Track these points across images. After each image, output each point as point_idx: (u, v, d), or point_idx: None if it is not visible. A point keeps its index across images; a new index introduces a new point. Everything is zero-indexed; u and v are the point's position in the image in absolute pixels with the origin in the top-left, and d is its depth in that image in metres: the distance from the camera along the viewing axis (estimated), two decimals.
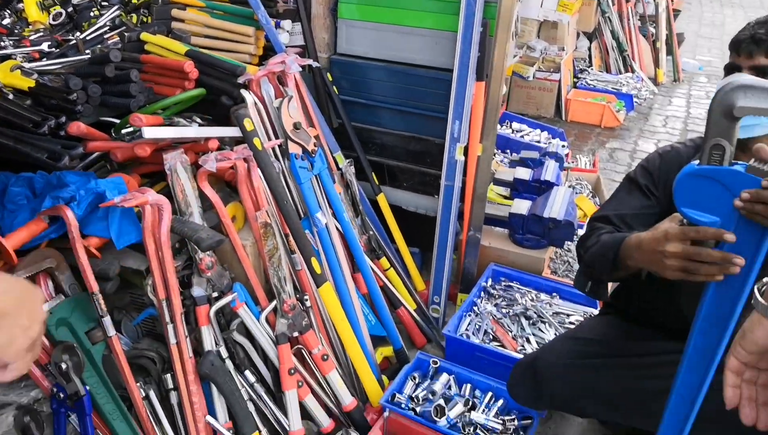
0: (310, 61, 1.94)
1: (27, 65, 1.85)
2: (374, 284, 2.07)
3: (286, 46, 2.30)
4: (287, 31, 2.35)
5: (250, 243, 1.76)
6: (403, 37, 2.25)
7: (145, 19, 2.37)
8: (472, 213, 2.30)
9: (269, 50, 2.29)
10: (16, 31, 2.23)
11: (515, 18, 2.22)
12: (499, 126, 3.90)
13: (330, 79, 2.39)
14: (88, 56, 2.04)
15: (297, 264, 1.79)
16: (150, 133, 1.49)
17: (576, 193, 3.12)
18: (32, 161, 1.43)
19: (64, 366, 1.40)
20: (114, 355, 1.50)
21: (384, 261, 2.27)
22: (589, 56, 5.57)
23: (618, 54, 5.66)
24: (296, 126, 1.81)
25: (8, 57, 2.00)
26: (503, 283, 2.31)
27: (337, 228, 2.02)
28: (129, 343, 1.66)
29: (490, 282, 2.34)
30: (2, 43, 2.04)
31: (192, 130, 1.62)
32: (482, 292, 2.29)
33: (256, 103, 1.77)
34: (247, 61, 2.20)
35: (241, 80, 1.82)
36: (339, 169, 2.27)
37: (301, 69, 1.90)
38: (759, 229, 1.04)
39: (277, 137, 1.83)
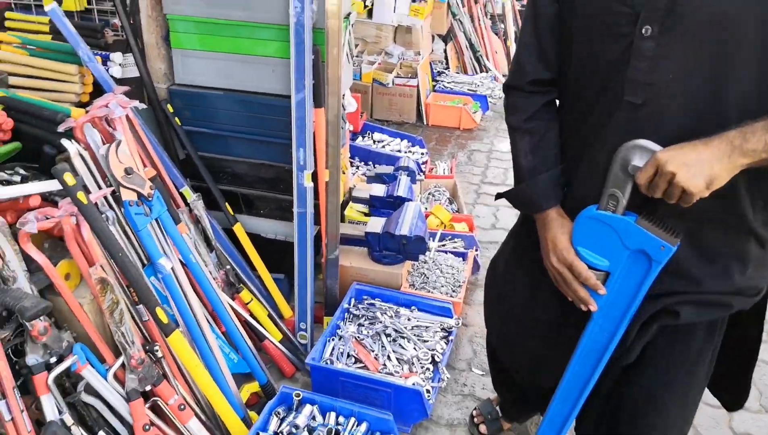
0: (135, 103, 1.87)
1: None
2: (230, 322, 2.05)
3: (120, 80, 2.20)
4: (119, 64, 2.24)
5: (89, 300, 1.68)
6: (241, 65, 2.23)
7: None
8: (327, 236, 2.34)
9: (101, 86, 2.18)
10: None
11: (346, 41, 2.27)
12: (360, 138, 3.98)
13: (171, 110, 2.32)
14: None
15: (143, 315, 1.73)
16: None
17: (434, 201, 3.26)
18: None
19: None
20: None
21: (245, 294, 2.25)
22: (446, 58, 5.81)
23: (472, 54, 5.95)
24: (128, 171, 1.74)
25: None
26: (366, 302, 2.37)
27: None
28: None
29: (353, 302, 2.39)
30: None
31: (4, 191, 1.51)
32: (345, 314, 2.34)
33: (79, 152, 1.68)
34: (74, 101, 2.08)
35: (61, 128, 1.72)
36: (187, 204, 2.22)
37: (126, 112, 1.82)
38: (638, 278, 1.17)
39: (108, 185, 1.75)
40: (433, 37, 5.63)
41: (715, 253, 1.18)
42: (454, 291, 2.53)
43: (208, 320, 1.99)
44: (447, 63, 5.80)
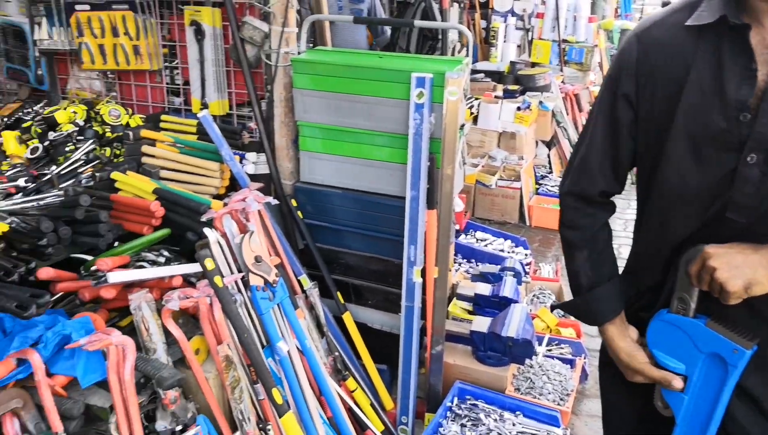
0: (269, 199, 2.07)
1: (2, 204, 1.95)
2: (337, 409, 2.10)
3: (253, 176, 2.45)
4: (253, 163, 2.50)
5: (213, 375, 1.80)
6: (360, 167, 2.41)
7: (117, 152, 2.51)
8: (433, 331, 2.37)
9: (236, 180, 2.43)
10: None
11: (460, 150, 2.41)
12: (463, 236, 4.05)
13: (294, 204, 2.53)
14: (62, 194, 2.15)
15: (260, 394, 1.83)
16: (114, 277, 1.57)
17: (539, 303, 3.23)
18: (1, 310, 1.49)
19: None
20: None
21: (351, 382, 2.30)
22: (549, 163, 5.89)
23: None
24: (257, 259, 1.90)
25: None
26: (468, 402, 2.35)
27: (300, 353, 2.06)
28: None
29: (455, 401, 2.37)
30: None
31: (155, 271, 1.70)
32: (448, 412, 2.32)
33: (218, 240, 1.87)
34: (213, 193, 2.33)
35: (204, 218, 1.93)
36: (304, 291, 2.36)
37: (260, 206, 2.02)
38: (718, 382, 1.15)
39: (239, 271, 1.92)
40: (536, 142, 5.75)
41: None
42: (561, 399, 2.45)
43: (316, 405, 2.05)
44: (550, 167, 5.87)
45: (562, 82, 6.52)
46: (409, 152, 2.19)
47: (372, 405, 2.35)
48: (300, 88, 2.36)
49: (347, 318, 2.51)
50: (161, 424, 1.65)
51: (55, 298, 1.76)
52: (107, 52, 2.70)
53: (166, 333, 1.73)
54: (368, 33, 4.27)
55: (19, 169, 2.35)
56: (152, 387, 1.70)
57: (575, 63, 6.99)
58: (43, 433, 1.57)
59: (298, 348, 2.03)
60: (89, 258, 1.88)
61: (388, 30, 4.29)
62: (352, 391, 2.30)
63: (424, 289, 2.35)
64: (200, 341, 1.83)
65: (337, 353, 2.36)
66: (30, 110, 2.74)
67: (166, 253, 1.99)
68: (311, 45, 2.91)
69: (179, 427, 1.69)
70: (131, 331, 1.71)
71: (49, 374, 1.57)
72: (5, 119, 2.64)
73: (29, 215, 1.90)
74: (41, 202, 2.08)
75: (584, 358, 2.77)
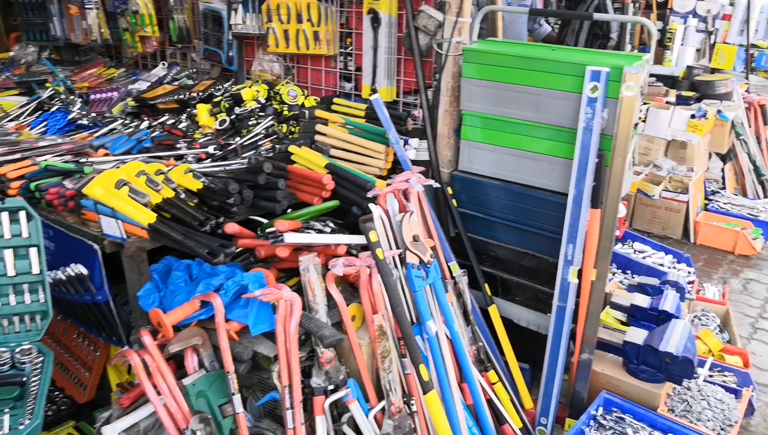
0: (431, 182, 2.11)
1: (195, 166, 2.19)
2: (480, 397, 2.10)
3: (413, 161, 2.51)
4: (414, 148, 2.57)
5: (366, 343, 1.89)
6: (520, 160, 2.38)
7: (293, 129, 2.70)
8: (584, 336, 2.28)
9: (396, 163, 2.52)
10: (188, 133, 2.64)
11: (632, 150, 2.28)
12: (620, 245, 3.84)
13: (450, 192, 2.55)
14: (245, 161, 2.36)
15: (407, 368, 1.88)
16: (291, 238, 1.70)
17: (701, 325, 2.97)
18: (195, 255, 1.68)
19: (198, 433, 1.57)
20: (239, 431, 1.65)
21: (492, 374, 2.29)
22: (723, 178, 5.38)
23: (755, 177, 5.41)
24: (415, 238, 1.96)
25: (182, 156, 2.37)
26: (615, 414, 2.23)
27: (447, 336, 2.09)
28: (251, 420, 1.81)
29: (600, 411, 2.27)
30: (178, 145, 2.43)
31: (325, 238, 1.82)
32: (591, 421, 2.22)
33: (381, 216, 1.95)
34: (376, 174, 2.43)
35: (370, 194, 2.02)
36: (453, 278, 2.38)
37: (423, 188, 2.07)
38: None
39: (397, 247, 1.99)
40: (710, 154, 5.28)
41: None
42: (723, 429, 2.24)
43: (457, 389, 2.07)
44: (724, 183, 5.35)
45: (747, 90, 5.91)
46: (577, 147, 2.12)
47: (512, 401, 2.32)
48: (468, 77, 2.38)
49: (493, 311, 2.50)
50: (316, 381, 1.76)
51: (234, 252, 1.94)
52: (290, 37, 2.92)
53: (328, 296, 1.85)
54: None
55: (209, 138, 2.61)
56: (311, 345, 1.83)
57: (764, 71, 6.31)
58: (217, 371, 1.75)
59: (445, 329, 2.06)
60: (264, 221, 2.05)
61: (545, 24, 4.21)
62: (493, 384, 2.29)
63: (579, 292, 2.27)
64: (356, 309, 1.93)
65: (480, 344, 2.36)
66: (220, 87, 3.03)
67: (331, 224, 2.11)
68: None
69: (331, 386, 1.79)
70: (296, 291, 1.85)
71: (225, 320, 1.74)
72: (200, 94, 2.95)
73: (218, 177, 2.11)
74: (227, 168, 2.30)
75: (752, 391, 2.51)
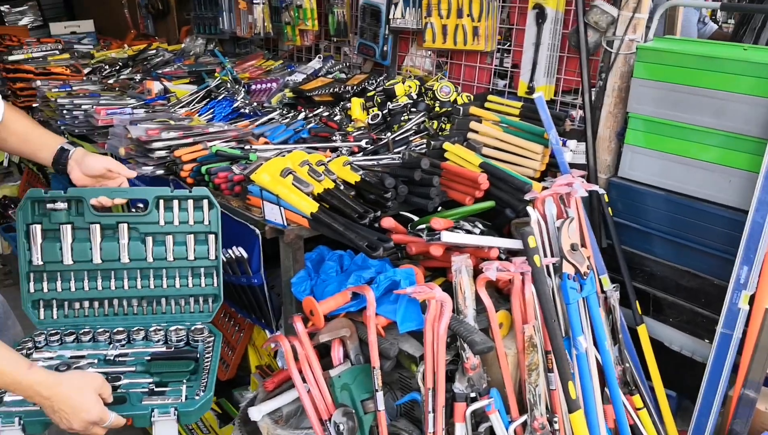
0: (596, 188, 2.00)
1: (352, 159, 2.24)
2: (625, 422, 1.97)
3: (569, 164, 2.40)
4: (571, 150, 2.45)
5: (512, 353, 1.83)
6: (689, 169, 2.18)
7: (443, 126, 2.68)
8: (750, 370, 2.06)
9: (550, 166, 2.41)
10: (342, 126, 2.71)
11: None
12: None
13: (606, 200, 2.41)
14: (398, 156, 2.38)
15: (552, 383, 1.80)
16: (447, 237, 1.68)
17: None
18: (355, 247, 1.71)
19: (341, 427, 1.61)
20: (378, 429, 1.66)
21: (637, 398, 2.14)
22: None
23: None
24: (573, 247, 1.86)
25: (336, 149, 2.43)
26: None
27: (594, 354, 1.98)
28: (388, 420, 1.82)
29: None
30: (334, 137, 2.50)
31: (481, 239, 1.78)
32: None
33: (538, 221, 1.87)
34: (530, 175, 2.34)
35: (527, 197, 1.95)
36: (603, 292, 2.24)
37: (587, 194, 1.96)
38: None
39: (552, 255, 1.90)
40: None
41: None
42: None
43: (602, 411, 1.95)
44: None
45: None
46: (765, 159, 1.90)
47: (656, 429, 2.16)
48: (640, 78, 2.22)
49: (642, 331, 2.33)
50: (459, 387, 1.74)
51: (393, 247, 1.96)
52: (448, 32, 2.89)
53: (477, 301, 1.81)
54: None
55: (362, 131, 2.66)
56: (455, 349, 1.80)
57: None
58: (362, 365, 1.78)
59: (594, 347, 1.95)
60: (414, 217, 2.05)
61: (710, 22, 3.86)
62: (638, 409, 2.14)
63: (747, 320, 2.05)
64: (504, 316, 1.87)
65: (627, 365, 2.21)
66: (373, 82, 3.08)
67: (480, 225, 2.07)
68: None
69: (473, 394, 1.76)
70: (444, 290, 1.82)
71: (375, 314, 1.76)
72: (354, 87, 3.02)
73: (372, 171, 2.14)
74: (380, 162, 2.33)
75: None
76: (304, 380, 1.71)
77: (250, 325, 2.56)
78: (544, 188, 2.04)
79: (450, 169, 2.13)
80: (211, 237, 1.76)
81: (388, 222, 1.81)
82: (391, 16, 3.03)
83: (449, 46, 2.94)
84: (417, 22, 2.99)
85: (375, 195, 1.89)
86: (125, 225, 1.73)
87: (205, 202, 1.75)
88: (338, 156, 2.24)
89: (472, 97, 2.84)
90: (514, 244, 1.85)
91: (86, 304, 1.78)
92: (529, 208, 1.88)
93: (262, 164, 1.92)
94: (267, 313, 2.07)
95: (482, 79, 2.97)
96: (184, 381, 1.52)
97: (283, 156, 2.09)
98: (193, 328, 1.75)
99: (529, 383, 1.76)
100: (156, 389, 1.51)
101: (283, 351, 1.74)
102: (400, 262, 2.01)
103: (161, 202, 1.74)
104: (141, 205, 1.76)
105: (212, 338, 1.71)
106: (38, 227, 1.69)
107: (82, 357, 1.62)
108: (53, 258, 1.71)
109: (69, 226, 1.71)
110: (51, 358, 1.61)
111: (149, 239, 1.76)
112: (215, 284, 1.79)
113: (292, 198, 1.81)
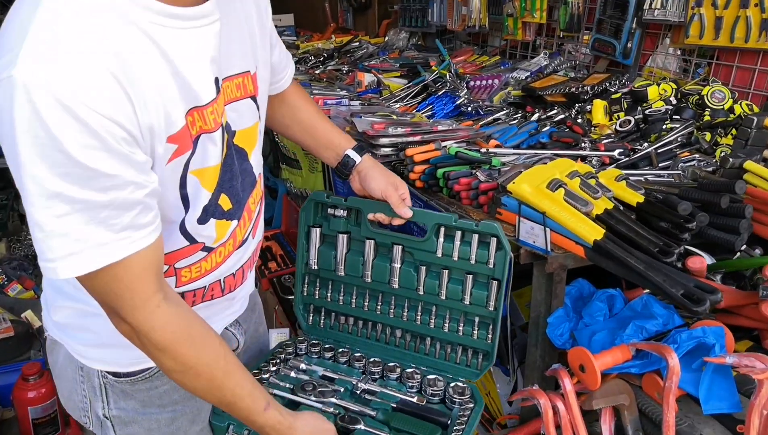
0: None
1: (626, 172, 1.81)
2: None
3: None
4: None
5: None
6: None
7: (718, 139, 2.15)
8: None
9: None
10: (587, 131, 2.28)
11: None
12: None
13: None
14: (665, 172, 1.91)
15: None
16: None
17: None
18: (666, 295, 1.28)
19: None
20: None
21: None
22: None
23: None
24: None
25: (585, 158, 2.02)
26: None
27: None
28: None
29: None
30: (582, 144, 2.08)
31: None
32: None
33: None
34: None
35: None
36: None
37: None
38: None
39: None
40: None
41: None
42: None
43: None
44: None
45: None
46: None
47: None
48: None
49: None
50: None
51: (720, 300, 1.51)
52: (723, 26, 2.35)
53: None
54: None
55: (611, 139, 2.22)
56: None
57: None
58: None
59: None
60: (702, 254, 1.57)
61: None
62: None
63: None
64: None
65: None
66: (615, 82, 2.62)
67: None
68: None
69: None
70: None
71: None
72: (594, 88, 2.58)
73: (654, 190, 1.69)
74: (644, 178, 1.88)
75: None
76: None
77: None
78: None
79: (759, 196, 1.61)
80: (494, 283, 1.45)
81: (697, 262, 1.36)
82: (645, 7, 2.54)
83: (721, 43, 2.39)
84: (680, 14, 2.47)
85: (670, 223, 1.45)
86: (400, 247, 1.52)
87: (493, 240, 1.44)
88: (601, 169, 1.83)
89: (754, 106, 2.27)
90: None
91: (351, 320, 1.66)
92: None
93: (521, 172, 1.56)
94: (505, 354, 1.71)
95: (761, 85, 2.38)
96: None
97: (532, 164, 1.72)
98: (453, 384, 1.45)
99: None
100: None
101: (537, 408, 1.37)
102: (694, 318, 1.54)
103: (442, 229, 1.48)
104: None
105: (472, 406, 1.38)
106: (318, 231, 1.62)
107: (332, 380, 1.47)
108: (327, 265, 1.62)
109: (346, 236, 1.59)
110: (303, 370, 1.51)
111: (423, 269, 1.52)
112: (489, 340, 1.48)
113: (566, 218, 1.43)
